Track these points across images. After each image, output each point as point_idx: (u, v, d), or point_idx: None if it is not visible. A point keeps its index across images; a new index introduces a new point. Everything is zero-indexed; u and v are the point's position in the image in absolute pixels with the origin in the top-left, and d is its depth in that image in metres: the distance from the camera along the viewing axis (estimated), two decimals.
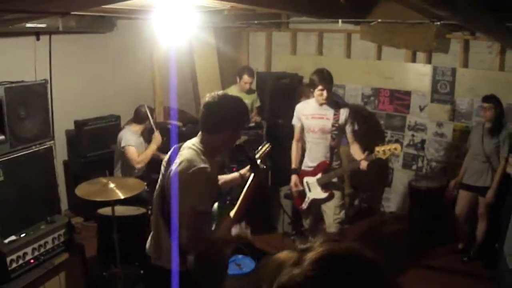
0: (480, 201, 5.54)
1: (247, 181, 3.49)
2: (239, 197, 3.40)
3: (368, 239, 6.49)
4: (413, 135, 6.97)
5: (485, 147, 5.44)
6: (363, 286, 1.12)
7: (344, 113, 4.89)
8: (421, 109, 6.85)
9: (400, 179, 7.16)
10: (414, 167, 6.99)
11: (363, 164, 4.75)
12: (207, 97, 3.07)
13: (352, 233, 6.50)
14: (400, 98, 7.02)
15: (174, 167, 3.01)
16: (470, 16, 2.96)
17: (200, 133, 3.13)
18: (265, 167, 3.54)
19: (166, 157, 3.26)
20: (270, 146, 3.71)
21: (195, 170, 2.89)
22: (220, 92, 3.12)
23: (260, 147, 3.73)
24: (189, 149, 3.06)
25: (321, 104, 4.90)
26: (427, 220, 6.24)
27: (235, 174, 3.63)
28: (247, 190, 3.42)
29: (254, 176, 3.45)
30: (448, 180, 6.32)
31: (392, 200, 7.31)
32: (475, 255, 5.68)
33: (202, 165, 2.93)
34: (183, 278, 2.94)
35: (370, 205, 7.49)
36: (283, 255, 1.20)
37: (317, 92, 4.82)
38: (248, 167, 3.56)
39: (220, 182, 3.49)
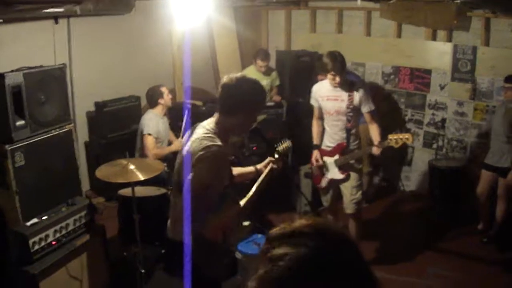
0: (500, 181, 5.50)
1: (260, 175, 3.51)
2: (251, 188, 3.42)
3: (387, 218, 6.52)
4: (433, 114, 6.91)
5: (505, 127, 5.38)
6: (338, 255, 1.19)
7: (358, 93, 4.85)
8: (442, 87, 6.77)
9: (421, 158, 7.13)
10: (434, 146, 6.94)
11: (376, 151, 4.78)
12: (225, 78, 3.09)
13: (371, 211, 6.54)
14: (421, 77, 6.95)
15: (187, 145, 3.06)
16: None
17: (216, 113, 3.15)
18: (279, 165, 3.51)
19: (186, 136, 3.30)
20: (291, 145, 3.69)
21: (204, 148, 2.94)
22: (239, 74, 3.12)
23: (280, 143, 3.70)
24: (202, 128, 3.10)
25: (335, 86, 4.89)
26: (447, 199, 6.23)
27: (251, 168, 3.63)
28: (260, 183, 3.44)
29: (270, 170, 3.47)
30: (469, 159, 6.32)
31: (412, 179, 7.29)
32: (495, 236, 5.64)
33: (211, 143, 2.97)
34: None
35: (391, 183, 7.48)
36: None
37: (329, 76, 4.81)
38: (265, 161, 3.58)
39: (235, 174, 3.50)
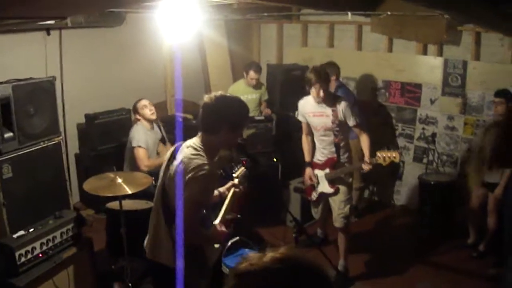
0: (490, 197, 5.50)
1: (225, 198, 3.58)
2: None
3: (377, 232, 6.50)
4: (424, 129, 6.91)
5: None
6: None
7: (340, 107, 4.86)
8: (432, 102, 6.79)
9: (411, 172, 7.12)
10: (425, 160, 6.95)
11: (365, 167, 4.81)
12: (205, 98, 3.09)
13: (362, 225, 6.54)
14: (411, 91, 6.97)
15: (175, 165, 3.05)
16: (469, 14, 2.93)
17: (199, 133, 3.15)
18: (241, 188, 3.62)
19: (167, 154, 3.30)
20: (245, 170, 3.77)
21: (196, 168, 2.93)
22: (219, 93, 3.12)
23: (236, 169, 3.80)
24: (190, 147, 3.09)
25: (318, 102, 4.91)
26: (437, 214, 6.23)
27: (214, 192, 3.69)
28: (228, 205, 3.48)
29: (233, 193, 3.53)
30: (459, 173, 6.34)
31: (403, 193, 7.27)
32: (485, 251, 5.63)
33: (202, 162, 2.96)
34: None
35: (381, 198, 7.48)
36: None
37: (313, 90, 4.83)
38: (227, 185, 3.64)
39: None
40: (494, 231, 5.52)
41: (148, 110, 5.81)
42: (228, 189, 3.62)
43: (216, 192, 3.64)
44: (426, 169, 6.85)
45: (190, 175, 2.92)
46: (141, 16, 6.37)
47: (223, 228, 3.31)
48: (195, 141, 3.14)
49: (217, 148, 3.18)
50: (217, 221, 3.33)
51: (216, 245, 3.41)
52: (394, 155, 4.68)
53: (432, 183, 6.32)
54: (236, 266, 1.25)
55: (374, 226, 6.68)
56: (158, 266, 3.18)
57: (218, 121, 3.03)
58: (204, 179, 2.94)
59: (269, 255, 1.23)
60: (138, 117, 5.85)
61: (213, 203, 3.66)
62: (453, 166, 6.70)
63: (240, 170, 3.73)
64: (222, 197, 3.59)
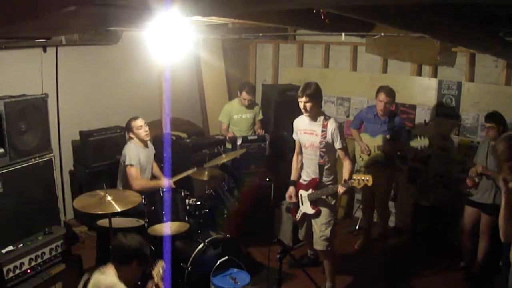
0: (482, 218, 5.48)
1: None
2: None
3: (369, 253, 6.46)
4: (417, 150, 6.90)
5: (488, 165, 5.38)
6: None
7: (330, 129, 4.88)
8: (426, 123, 6.81)
9: (405, 193, 7.11)
10: (418, 181, 6.95)
11: (340, 190, 4.84)
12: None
13: (352, 245, 6.50)
14: (405, 112, 6.98)
15: None
16: (455, 36, 2.95)
17: None
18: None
19: None
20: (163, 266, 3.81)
21: None
22: None
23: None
24: None
25: (310, 120, 4.95)
26: (430, 235, 6.22)
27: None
28: None
29: None
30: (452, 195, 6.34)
31: (396, 214, 7.24)
32: (478, 273, 5.59)
33: None
34: None
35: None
36: None
37: (300, 104, 4.87)
38: None
39: None
40: (486, 252, 5.51)
41: (143, 131, 5.77)
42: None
43: None
44: (420, 190, 6.84)
45: None
46: (138, 34, 6.43)
47: None
48: None
49: None
50: None
51: None
52: (367, 178, 4.75)
53: (426, 204, 6.31)
54: None
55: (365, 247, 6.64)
56: None
57: None
58: None
59: None
60: (131, 135, 5.81)
61: None
62: (446, 188, 6.68)
63: (158, 268, 3.76)
64: None
